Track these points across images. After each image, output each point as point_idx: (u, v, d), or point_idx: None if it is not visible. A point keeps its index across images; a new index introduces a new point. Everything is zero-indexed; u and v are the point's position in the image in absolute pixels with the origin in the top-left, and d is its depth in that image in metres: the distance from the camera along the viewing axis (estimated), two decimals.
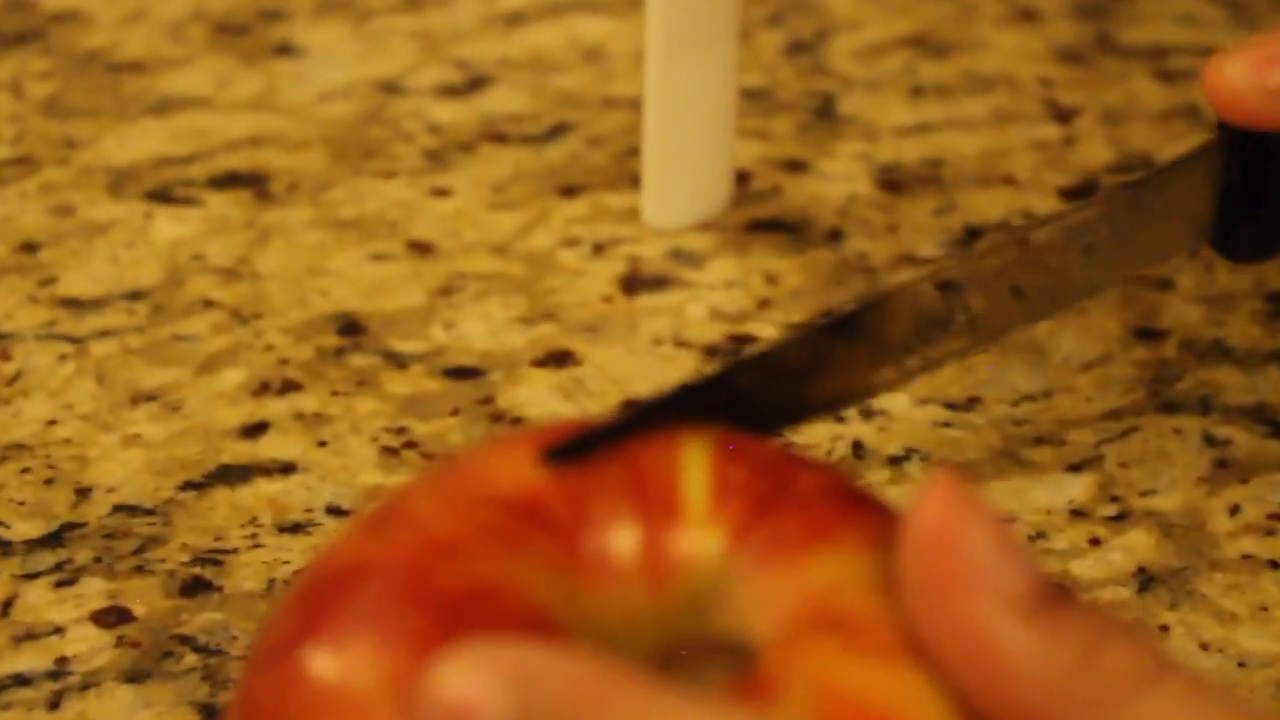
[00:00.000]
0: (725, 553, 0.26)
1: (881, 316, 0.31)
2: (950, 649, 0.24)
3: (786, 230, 0.50)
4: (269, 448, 0.43)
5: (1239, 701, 0.24)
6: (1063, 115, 0.55)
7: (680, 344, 0.46)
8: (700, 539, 0.26)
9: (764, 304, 0.47)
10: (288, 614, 0.25)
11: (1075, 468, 0.42)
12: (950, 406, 0.44)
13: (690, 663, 0.25)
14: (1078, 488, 0.41)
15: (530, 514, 0.25)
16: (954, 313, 0.33)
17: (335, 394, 0.45)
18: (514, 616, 0.24)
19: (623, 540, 0.26)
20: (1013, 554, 0.24)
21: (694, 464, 0.26)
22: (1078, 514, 0.41)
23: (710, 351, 0.46)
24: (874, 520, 0.26)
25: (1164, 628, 0.38)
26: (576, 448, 0.26)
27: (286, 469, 0.42)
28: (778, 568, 0.25)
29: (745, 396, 0.28)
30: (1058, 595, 0.24)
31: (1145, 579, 0.39)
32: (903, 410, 0.44)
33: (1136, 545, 0.40)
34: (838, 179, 0.52)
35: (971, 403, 0.44)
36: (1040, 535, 0.40)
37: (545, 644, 0.23)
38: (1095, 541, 0.40)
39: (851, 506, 0.26)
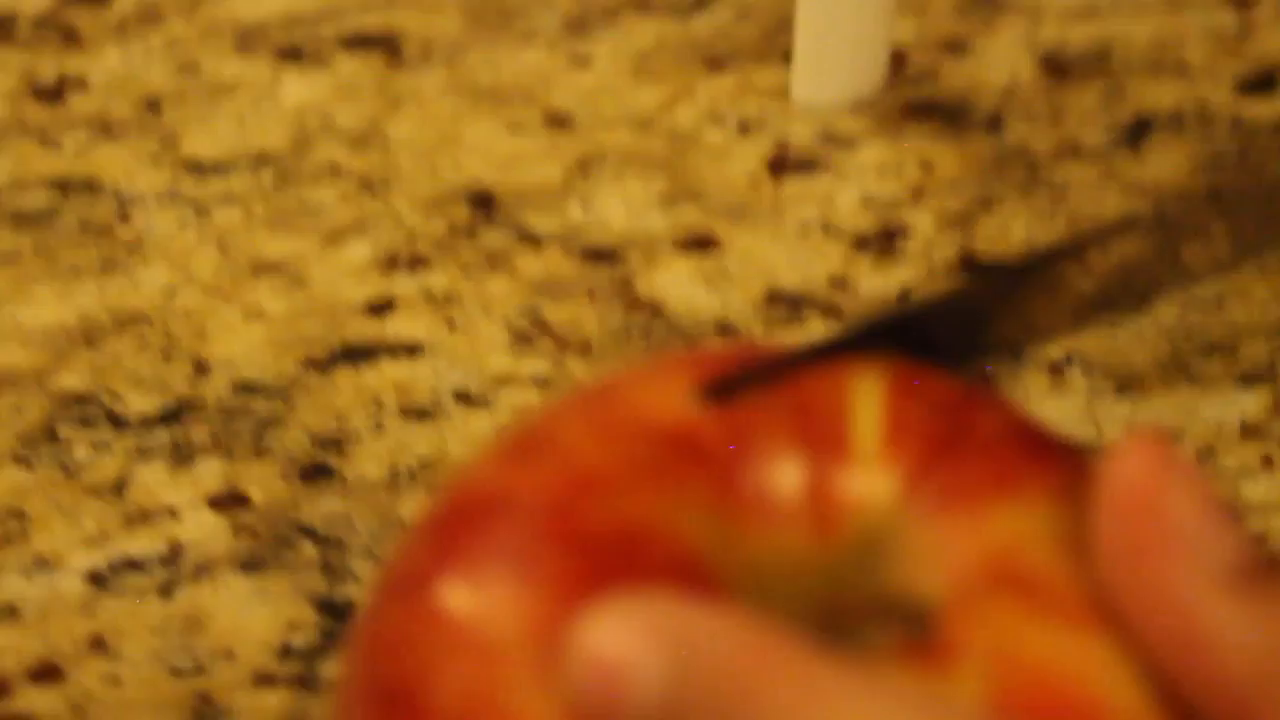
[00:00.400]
0: (898, 498, 0.23)
1: (1076, 268, 0.29)
2: (1147, 620, 0.22)
3: (943, 114, 0.48)
4: (395, 327, 0.41)
5: None
6: (1241, 1, 0.52)
7: (829, 231, 0.44)
8: (871, 481, 0.23)
9: (918, 192, 0.45)
10: (419, 543, 0.23)
11: (1248, 380, 0.39)
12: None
13: (856, 623, 0.23)
14: (1250, 403, 0.39)
15: (686, 448, 0.23)
16: (1160, 265, 0.30)
17: (465, 272, 0.42)
18: (666, 562, 0.22)
19: (786, 479, 0.23)
20: (1223, 521, 0.22)
21: (866, 399, 0.24)
22: (1250, 431, 0.38)
23: (860, 241, 0.44)
24: (1064, 469, 0.24)
25: None
26: (738, 384, 0.24)
27: (413, 350, 0.40)
28: (956, 518, 0.23)
29: (923, 338, 0.26)
30: (1271, 570, 0.22)
31: None
32: None
33: None
34: (999, 62, 0.50)
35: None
36: (1208, 453, 0.38)
37: (705, 601, 0.21)
38: (1268, 462, 0.38)
39: (1039, 453, 0.24)
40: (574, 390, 0.24)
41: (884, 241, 0.44)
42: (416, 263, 0.43)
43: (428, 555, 0.23)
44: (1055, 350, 0.40)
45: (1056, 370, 0.40)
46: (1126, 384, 0.39)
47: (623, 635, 0.19)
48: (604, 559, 0.22)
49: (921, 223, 0.44)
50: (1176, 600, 0.22)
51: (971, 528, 0.23)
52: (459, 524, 0.23)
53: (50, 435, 0.38)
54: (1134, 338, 0.41)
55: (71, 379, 0.40)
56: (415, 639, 0.22)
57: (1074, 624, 0.22)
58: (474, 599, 0.22)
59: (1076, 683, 0.22)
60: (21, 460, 0.37)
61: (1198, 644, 0.21)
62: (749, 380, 0.24)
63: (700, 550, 0.22)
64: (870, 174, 0.46)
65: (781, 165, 0.46)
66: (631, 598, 0.20)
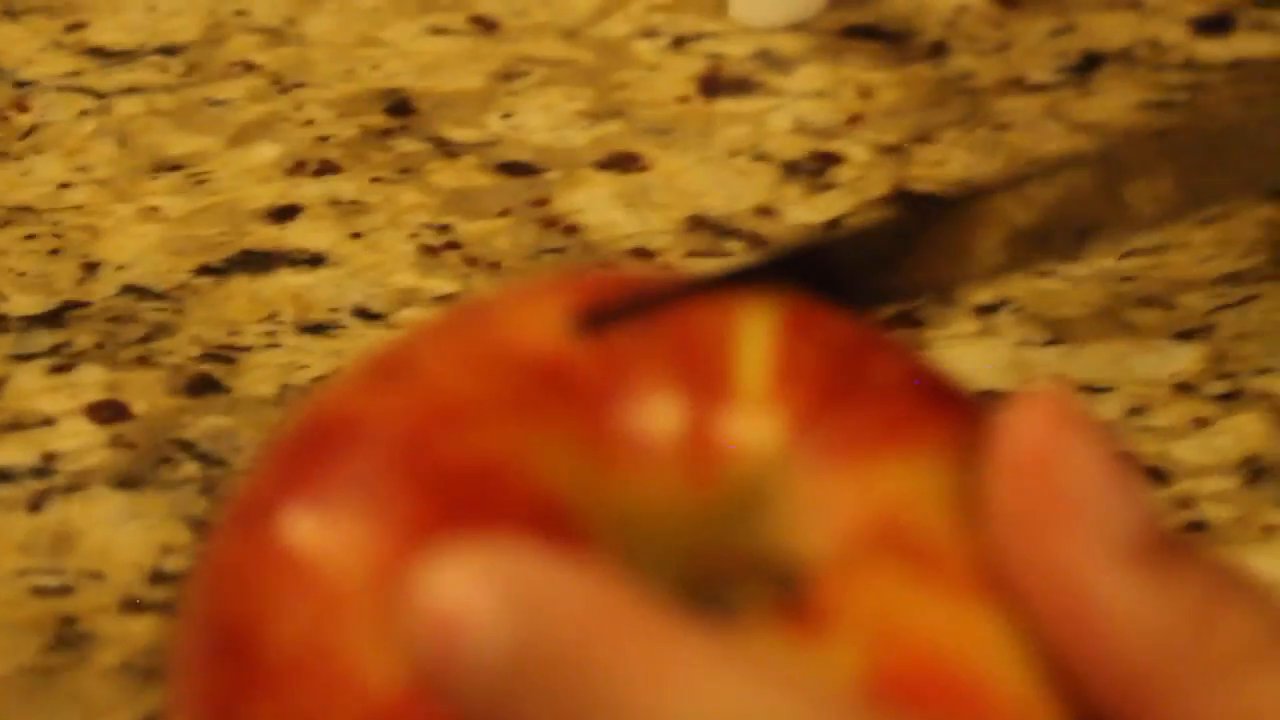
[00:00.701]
0: (782, 445, 0.22)
1: (1012, 203, 0.27)
2: (1039, 593, 0.20)
3: (886, 39, 0.46)
4: (298, 235, 0.39)
5: None
6: None
7: (759, 157, 0.42)
8: (754, 426, 0.21)
9: (854, 120, 0.43)
10: (269, 466, 0.21)
11: (1184, 336, 0.38)
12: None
13: (728, 580, 0.21)
14: (1185, 359, 0.37)
15: (555, 381, 0.21)
16: (1101, 204, 0.29)
17: (376, 180, 0.41)
18: (525, 504, 0.20)
19: (662, 420, 0.21)
20: (1125, 488, 0.20)
21: (755, 336, 0.22)
22: (1183, 388, 0.37)
23: (791, 168, 0.42)
24: (962, 423, 0.22)
25: (1270, 528, 0.34)
26: (617, 314, 0.22)
27: (315, 260, 0.38)
28: (842, 471, 0.21)
29: (833, 273, 0.24)
30: (1176, 545, 0.21)
31: (1255, 470, 0.35)
32: None
33: (1247, 430, 0.36)
34: None
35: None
36: (1138, 410, 0.36)
37: (562, 552, 0.19)
38: (1200, 422, 0.36)
39: (937, 404, 0.22)
40: (443, 313, 0.23)
41: (816, 170, 0.42)
42: (325, 168, 0.41)
43: (274, 482, 0.21)
44: (985, 294, 0.39)
45: (985, 314, 0.38)
46: (1057, 332, 0.38)
47: (466, 586, 0.18)
48: (457, 497, 0.20)
49: (856, 152, 0.42)
50: (1070, 572, 0.20)
51: (858, 483, 0.21)
52: (310, 449, 0.21)
53: None
54: (1069, 285, 0.39)
55: None
56: (255, 571, 0.21)
57: (960, 594, 0.20)
58: (318, 534, 0.20)
59: (958, 659, 0.20)
60: None
61: (1091, 620, 0.20)
62: (629, 310, 0.22)
63: (563, 493, 0.21)
64: (805, 98, 0.44)
65: (713, 84, 0.44)
66: (479, 544, 0.18)
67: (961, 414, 0.22)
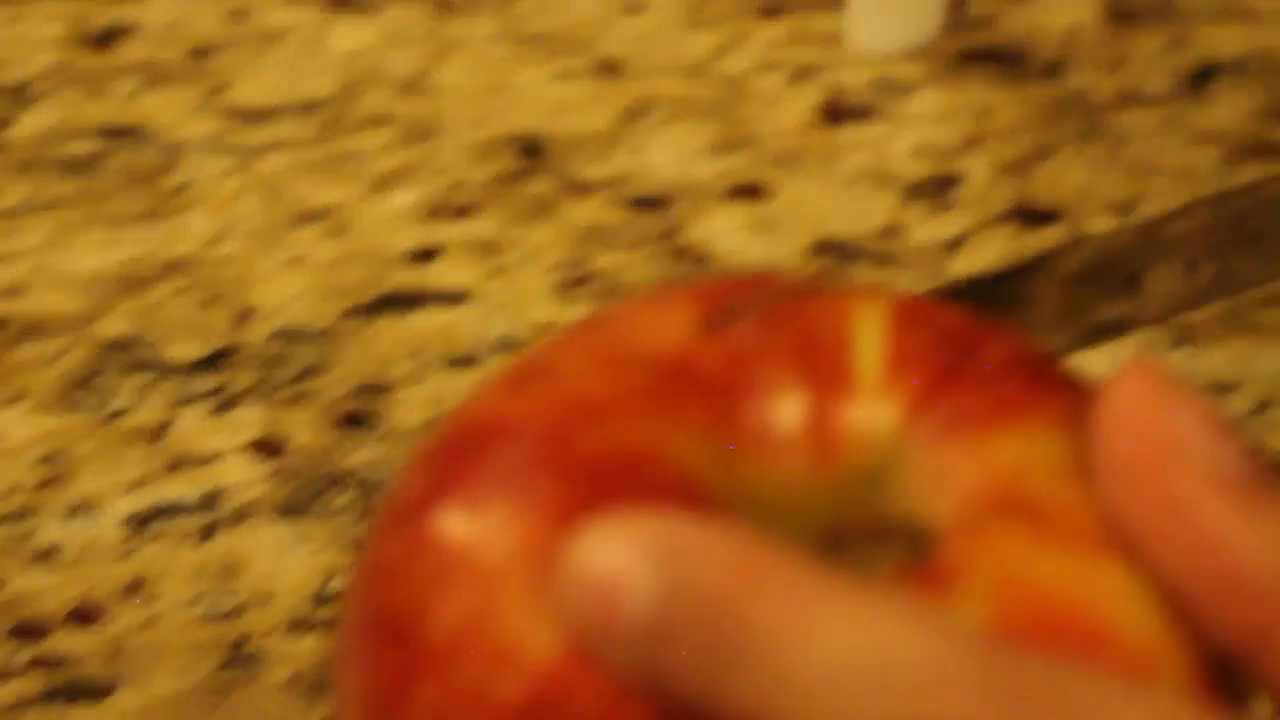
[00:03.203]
0: (900, 427, 0.23)
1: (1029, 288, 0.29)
2: (1156, 531, 0.21)
3: (1002, 61, 0.47)
4: (439, 275, 0.41)
5: None
6: None
7: (881, 180, 0.43)
8: (873, 410, 0.23)
9: (974, 141, 0.44)
10: (418, 472, 0.23)
11: None
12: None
13: (858, 547, 0.23)
14: None
15: (684, 376, 0.23)
16: (1086, 305, 0.30)
17: (511, 220, 0.42)
18: (662, 486, 0.21)
19: (786, 408, 0.23)
20: (1225, 433, 0.21)
21: (868, 328, 0.23)
22: None
23: (913, 190, 0.43)
24: (1069, 398, 0.23)
25: None
26: (738, 313, 0.23)
27: (456, 298, 0.40)
28: (959, 445, 0.22)
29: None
30: (1272, 478, 0.21)
31: None
32: None
33: None
34: (1061, 7, 0.49)
35: None
36: (1264, 406, 0.37)
37: (702, 517, 0.20)
38: None
39: (1044, 382, 0.23)
40: (574, 323, 0.24)
41: (937, 190, 0.43)
42: (462, 210, 0.42)
43: (425, 484, 0.22)
44: None
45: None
46: (1183, 335, 0.39)
47: (615, 550, 0.19)
48: (600, 484, 0.21)
49: (976, 171, 0.43)
50: (1183, 509, 0.21)
51: (975, 454, 0.22)
52: (456, 452, 0.22)
53: (93, 381, 0.38)
54: None
55: (114, 326, 0.39)
56: (411, 566, 0.22)
57: (1080, 548, 0.21)
58: (470, 526, 0.21)
59: (1082, 606, 0.21)
60: (65, 406, 0.37)
61: (1209, 549, 0.21)
62: (749, 310, 0.23)
63: (698, 476, 0.22)
64: (925, 121, 0.45)
65: (834, 113, 0.45)
66: (625, 514, 0.19)
67: (1069, 392, 0.23)
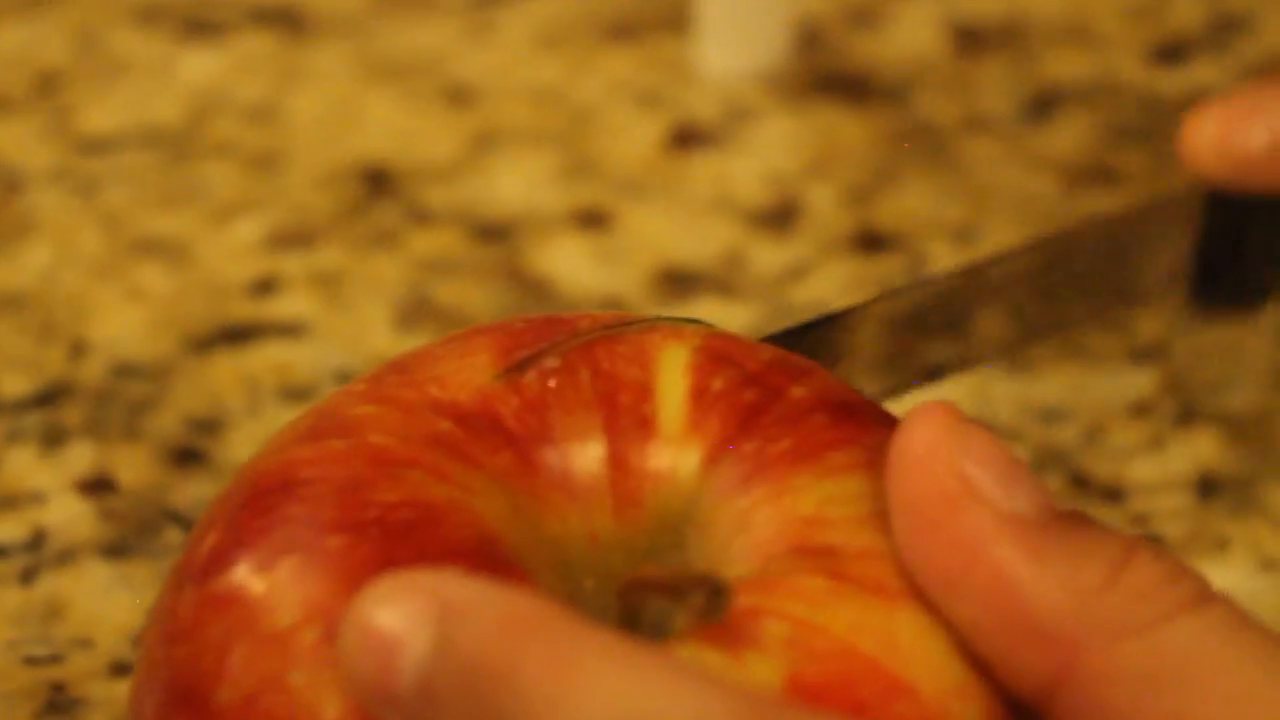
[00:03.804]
0: (701, 471, 0.23)
1: (837, 346, 0.29)
2: (946, 576, 0.21)
3: (850, 87, 0.47)
4: (278, 307, 0.40)
5: (1274, 635, 0.21)
6: None
7: (725, 207, 0.43)
8: (673, 456, 0.23)
9: (818, 168, 0.44)
10: (210, 528, 0.23)
11: (1139, 357, 0.39)
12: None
13: (658, 602, 0.23)
14: (1142, 380, 0.38)
15: (483, 425, 0.23)
16: (911, 349, 0.30)
17: (354, 250, 0.42)
18: (460, 542, 0.21)
19: (586, 456, 0.23)
20: (1015, 474, 0.22)
21: (671, 370, 0.23)
22: (1140, 410, 0.38)
23: (757, 217, 0.43)
24: (878, 440, 0.23)
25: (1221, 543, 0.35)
26: (539, 358, 0.23)
27: (295, 330, 0.40)
28: (758, 491, 0.22)
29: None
30: (1075, 518, 0.22)
31: (1207, 485, 0.36)
32: None
33: (1201, 448, 0.37)
34: (909, 33, 0.49)
35: None
36: (1094, 433, 0.37)
37: (477, 575, 0.20)
38: (1157, 441, 0.37)
39: (850, 423, 0.23)
40: (375, 369, 0.24)
41: (780, 218, 0.43)
42: (304, 241, 0.42)
43: (216, 540, 0.22)
44: None
45: None
46: (1015, 363, 0.39)
47: (390, 610, 0.19)
48: (393, 540, 0.21)
49: (821, 197, 0.43)
50: (973, 552, 0.21)
51: (773, 503, 0.22)
52: (248, 508, 0.22)
53: None
54: None
55: None
56: (202, 627, 0.22)
57: (877, 597, 0.21)
58: (259, 586, 0.21)
59: (878, 658, 0.21)
60: None
61: (1000, 592, 0.21)
62: (550, 353, 0.23)
63: (496, 530, 0.22)
64: (772, 148, 0.45)
65: (682, 139, 0.45)
66: (404, 573, 0.19)
67: (879, 433, 0.23)
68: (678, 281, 0.41)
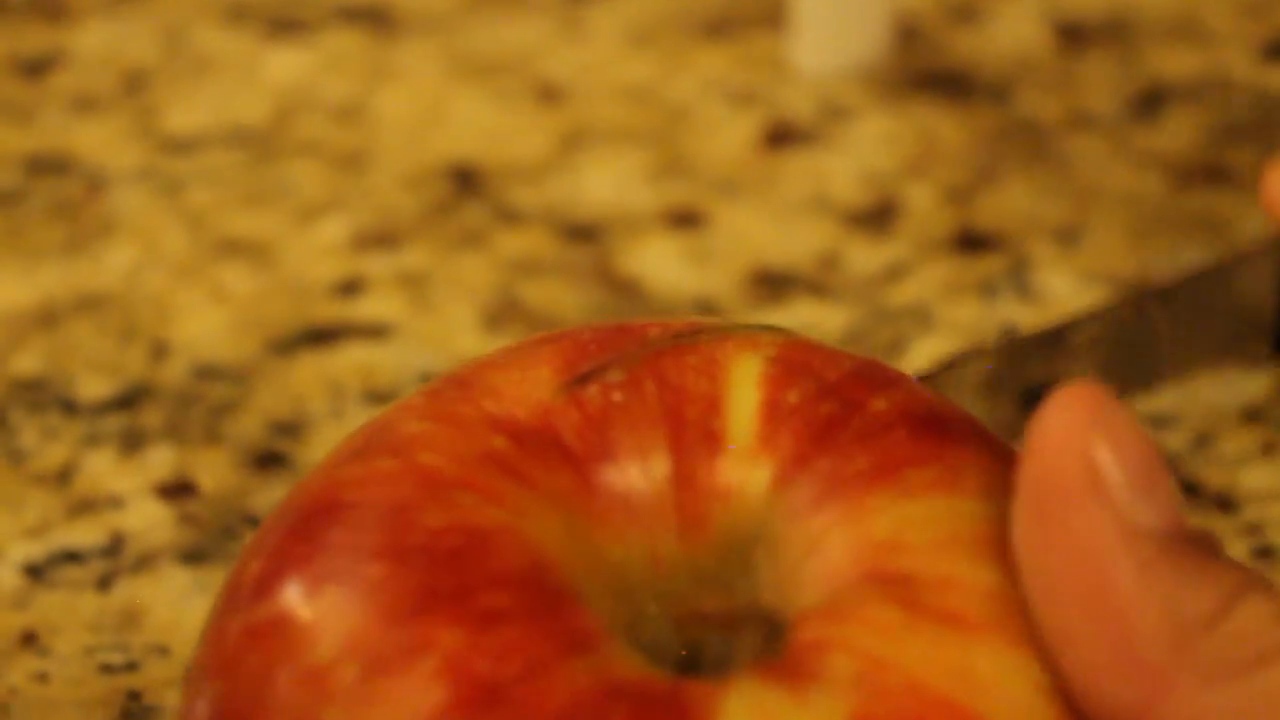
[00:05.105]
0: (772, 490, 0.21)
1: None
2: (1048, 576, 0.20)
3: (950, 84, 0.46)
4: (363, 308, 0.40)
5: None
6: None
7: (821, 207, 0.42)
8: (742, 473, 0.21)
9: (917, 167, 0.43)
10: (258, 550, 0.22)
11: (1252, 362, 0.37)
12: (1117, 285, 0.39)
13: (721, 632, 0.21)
14: (1253, 386, 0.37)
15: (542, 443, 0.21)
16: (990, 414, 0.29)
17: (441, 251, 0.41)
18: (511, 568, 0.20)
19: (650, 474, 0.21)
20: (1156, 483, 0.20)
21: (743, 382, 0.22)
22: (1252, 416, 0.36)
23: (854, 217, 0.42)
24: (965, 457, 0.22)
25: None
26: (603, 370, 0.22)
27: (379, 332, 0.39)
28: (832, 511, 0.21)
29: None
30: (1197, 543, 0.20)
31: None
32: (1065, 288, 0.39)
33: None
34: (1012, 29, 0.48)
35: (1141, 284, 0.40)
36: (1203, 440, 0.36)
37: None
38: (1270, 448, 0.36)
39: (938, 437, 0.22)
40: (430, 383, 0.23)
41: (878, 217, 0.42)
42: (390, 241, 0.41)
43: (263, 564, 0.21)
44: None
45: None
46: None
47: None
48: (438, 568, 0.20)
49: (919, 197, 0.42)
50: (1092, 552, 0.20)
51: (848, 523, 0.21)
52: (295, 530, 0.21)
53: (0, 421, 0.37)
54: None
55: (26, 362, 0.38)
56: (244, 655, 0.21)
57: (955, 628, 0.20)
58: (303, 614, 0.20)
59: (952, 696, 0.20)
60: None
61: (1104, 605, 0.20)
62: (614, 365, 0.22)
63: (551, 553, 0.21)
64: (869, 147, 0.44)
65: (776, 137, 0.44)
66: None
67: (966, 449, 0.22)
68: (771, 283, 0.40)
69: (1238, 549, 0.34)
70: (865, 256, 0.41)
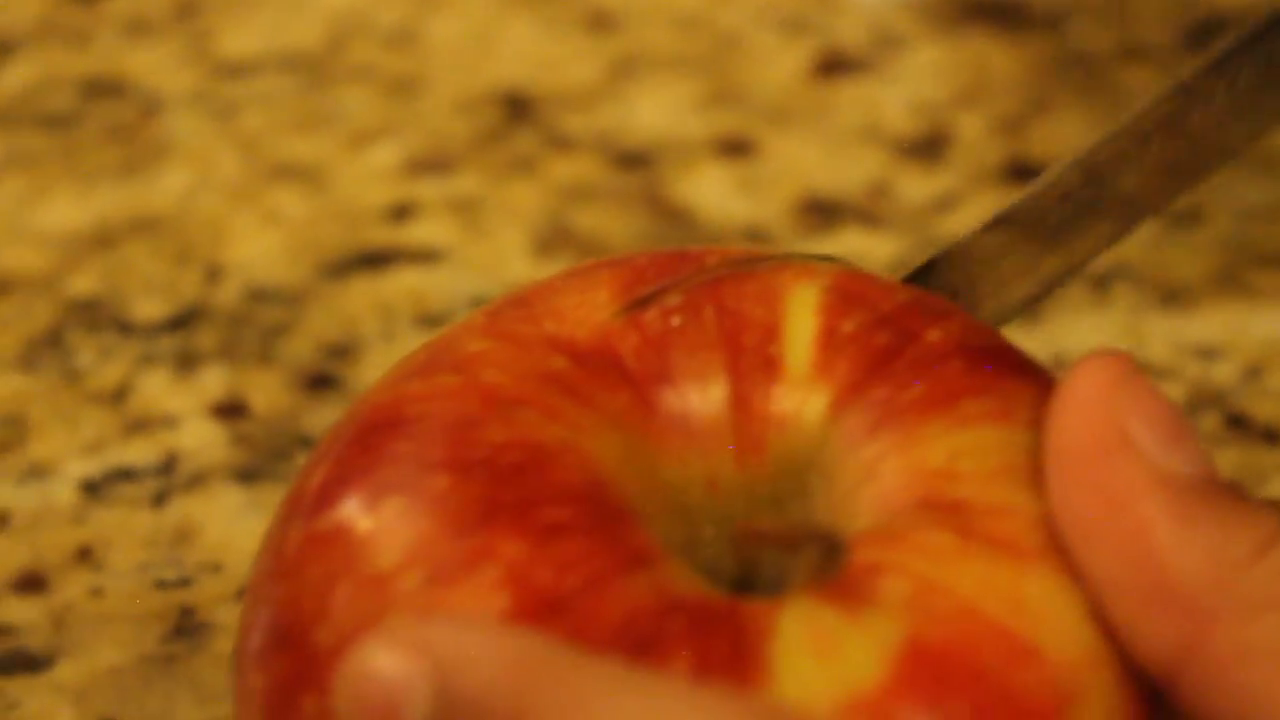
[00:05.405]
0: (828, 417, 0.22)
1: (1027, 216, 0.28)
2: (1089, 528, 0.20)
3: (1003, 14, 0.46)
4: (415, 233, 0.40)
5: None
6: None
7: (872, 136, 0.42)
8: (799, 400, 0.22)
9: (969, 97, 0.43)
10: (320, 462, 0.22)
11: None
12: (1170, 219, 0.39)
13: (775, 553, 0.22)
14: None
15: (601, 364, 0.22)
16: (1102, 198, 0.29)
17: (492, 177, 0.41)
18: (567, 484, 0.21)
19: (708, 397, 0.22)
20: (1179, 432, 0.21)
21: (800, 310, 0.22)
22: None
23: (904, 146, 0.42)
24: (1017, 388, 0.22)
25: None
26: (663, 294, 0.22)
27: (431, 257, 0.39)
28: (887, 439, 0.21)
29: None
30: (1230, 489, 0.20)
31: None
32: None
33: None
34: None
35: (1194, 216, 0.40)
36: (1255, 372, 0.36)
37: (488, 623, 0.19)
38: None
39: (991, 369, 0.22)
40: (494, 303, 0.23)
41: (929, 146, 0.42)
42: (442, 167, 0.42)
43: (325, 475, 0.22)
44: (1099, 262, 0.38)
45: (1100, 284, 0.38)
46: (1173, 297, 0.37)
47: (392, 659, 0.18)
48: (500, 482, 0.20)
49: (970, 127, 0.42)
50: (1120, 506, 0.20)
51: (903, 452, 0.21)
52: (358, 443, 0.21)
53: (56, 341, 0.37)
54: (1186, 250, 0.39)
55: (82, 283, 0.39)
56: (305, 564, 0.21)
57: (1007, 556, 0.20)
58: (363, 525, 0.21)
59: (1004, 621, 0.20)
60: (25, 366, 0.37)
61: (1142, 551, 0.20)
62: (674, 290, 0.22)
63: (608, 471, 0.21)
64: (921, 76, 0.44)
65: (829, 67, 0.44)
66: (403, 622, 0.19)
67: (1018, 381, 0.22)
68: (821, 212, 0.40)
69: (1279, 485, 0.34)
70: (915, 186, 0.41)
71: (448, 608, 0.20)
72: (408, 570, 0.20)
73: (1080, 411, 0.21)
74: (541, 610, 0.20)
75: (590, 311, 0.22)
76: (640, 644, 0.19)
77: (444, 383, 0.22)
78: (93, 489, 0.34)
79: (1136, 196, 0.29)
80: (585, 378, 0.22)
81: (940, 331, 0.22)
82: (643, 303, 0.22)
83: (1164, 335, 0.37)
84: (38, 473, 0.34)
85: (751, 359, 0.22)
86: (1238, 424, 0.35)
